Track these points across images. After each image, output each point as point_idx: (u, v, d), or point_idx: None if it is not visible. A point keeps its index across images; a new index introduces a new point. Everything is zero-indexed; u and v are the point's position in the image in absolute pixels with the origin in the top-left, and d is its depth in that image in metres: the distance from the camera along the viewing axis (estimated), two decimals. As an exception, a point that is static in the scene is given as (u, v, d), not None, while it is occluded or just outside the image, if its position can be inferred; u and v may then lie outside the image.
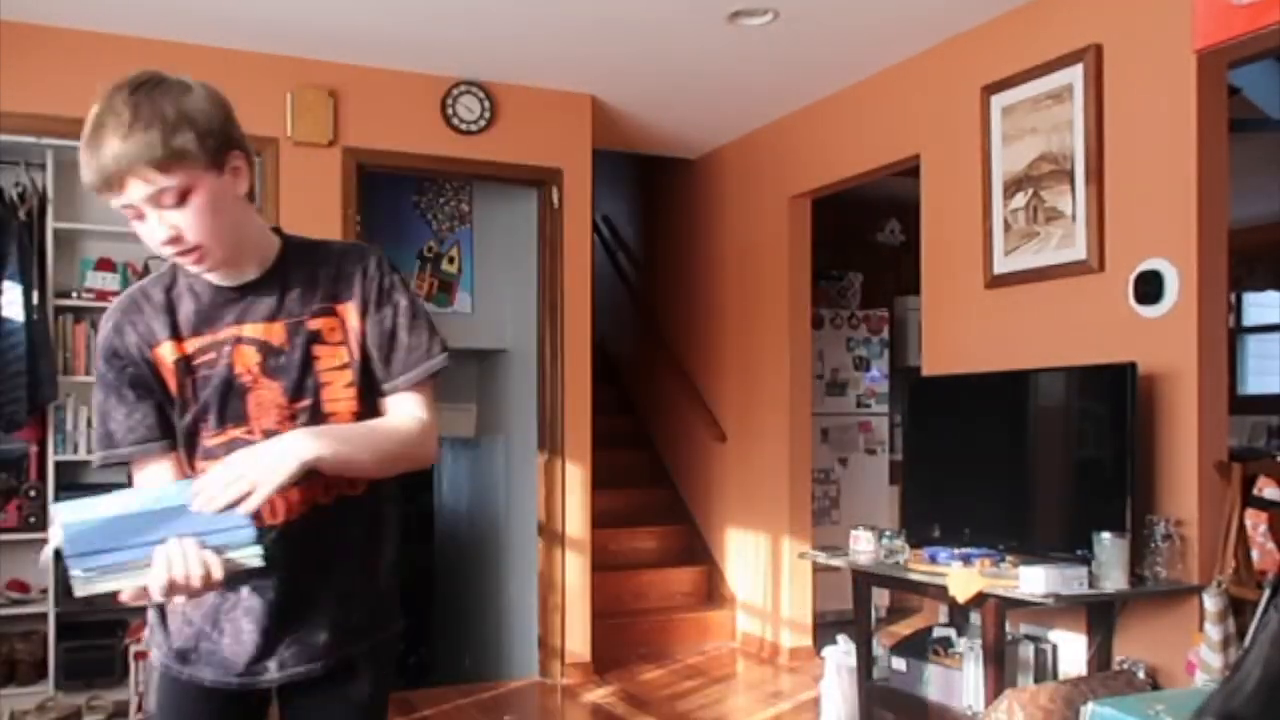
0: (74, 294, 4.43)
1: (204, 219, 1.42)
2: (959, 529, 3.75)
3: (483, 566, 5.93)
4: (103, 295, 4.47)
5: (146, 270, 4.66)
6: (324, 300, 1.57)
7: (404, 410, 1.60)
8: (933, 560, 3.58)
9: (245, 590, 1.55)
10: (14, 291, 4.13)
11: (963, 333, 4.18)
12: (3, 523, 4.28)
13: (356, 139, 4.62)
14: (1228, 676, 0.83)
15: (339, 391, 1.56)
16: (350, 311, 1.58)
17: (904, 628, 4.94)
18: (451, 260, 5.70)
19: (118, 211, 1.44)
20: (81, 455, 4.40)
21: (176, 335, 1.55)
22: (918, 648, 3.77)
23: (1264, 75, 4.47)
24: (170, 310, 1.56)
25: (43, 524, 4.26)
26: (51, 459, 4.30)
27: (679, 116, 5.38)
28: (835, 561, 3.97)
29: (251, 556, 1.38)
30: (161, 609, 1.61)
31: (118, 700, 4.23)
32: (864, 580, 3.88)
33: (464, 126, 4.80)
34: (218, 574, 1.36)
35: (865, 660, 3.89)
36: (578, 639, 5.03)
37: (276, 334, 1.55)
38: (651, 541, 6.16)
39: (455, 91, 4.78)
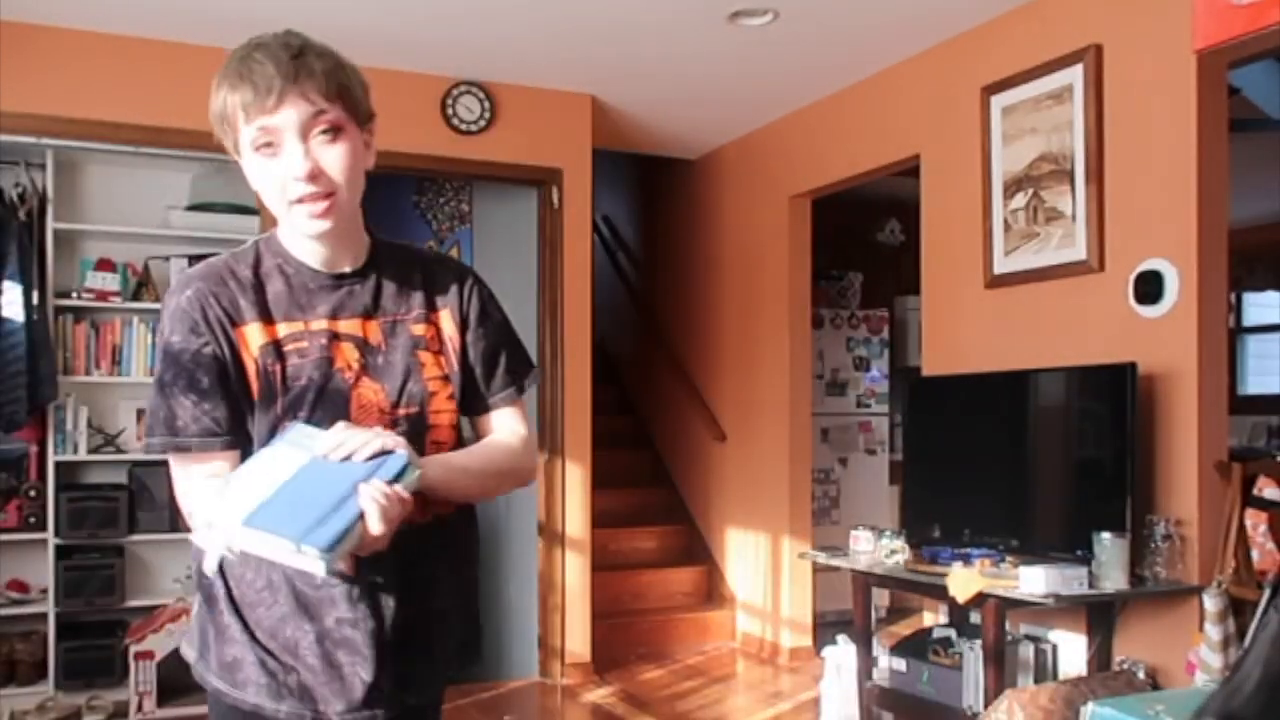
0: (74, 294, 4.43)
1: (347, 165, 1.36)
2: (959, 529, 3.75)
3: (482, 566, 5.92)
4: (103, 295, 4.47)
5: (147, 270, 4.67)
6: (422, 305, 1.50)
7: (507, 426, 1.56)
8: (933, 560, 3.58)
9: (331, 620, 1.41)
10: (14, 291, 4.13)
11: (963, 333, 4.18)
12: (3, 523, 4.28)
13: (356, 139, 4.61)
14: (1228, 676, 0.83)
15: (443, 403, 1.48)
16: (446, 321, 1.51)
17: (904, 628, 4.94)
18: (451, 260, 5.69)
19: (248, 141, 1.36)
20: (82, 455, 4.41)
21: (266, 317, 1.41)
22: (918, 648, 3.77)
23: (1264, 75, 4.47)
24: (258, 289, 1.42)
25: (43, 524, 4.26)
26: (51, 459, 4.30)
27: (679, 116, 5.38)
28: (835, 561, 3.97)
29: (415, 481, 1.31)
30: (218, 626, 1.44)
31: (118, 700, 4.23)
32: (864, 580, 3.88)
33: (464, 126, 4.80)
34: (409, 505, 1.30)
35: (865, 660, 3.89)
36: (578, 639, 5.03)
37: (373, 333, 1.45)
38: (651, 541, 6.16)
39: (455, 91, 4.78)
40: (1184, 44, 3.32)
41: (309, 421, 1.38)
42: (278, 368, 1.39)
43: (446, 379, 1.49)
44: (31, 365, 4.13)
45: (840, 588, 5.01)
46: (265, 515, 1.23)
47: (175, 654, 4.22)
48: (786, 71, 4.68)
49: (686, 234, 6.34)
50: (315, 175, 1.34)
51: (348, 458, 1.29)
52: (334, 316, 1.43)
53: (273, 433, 1.38)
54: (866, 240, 6.95)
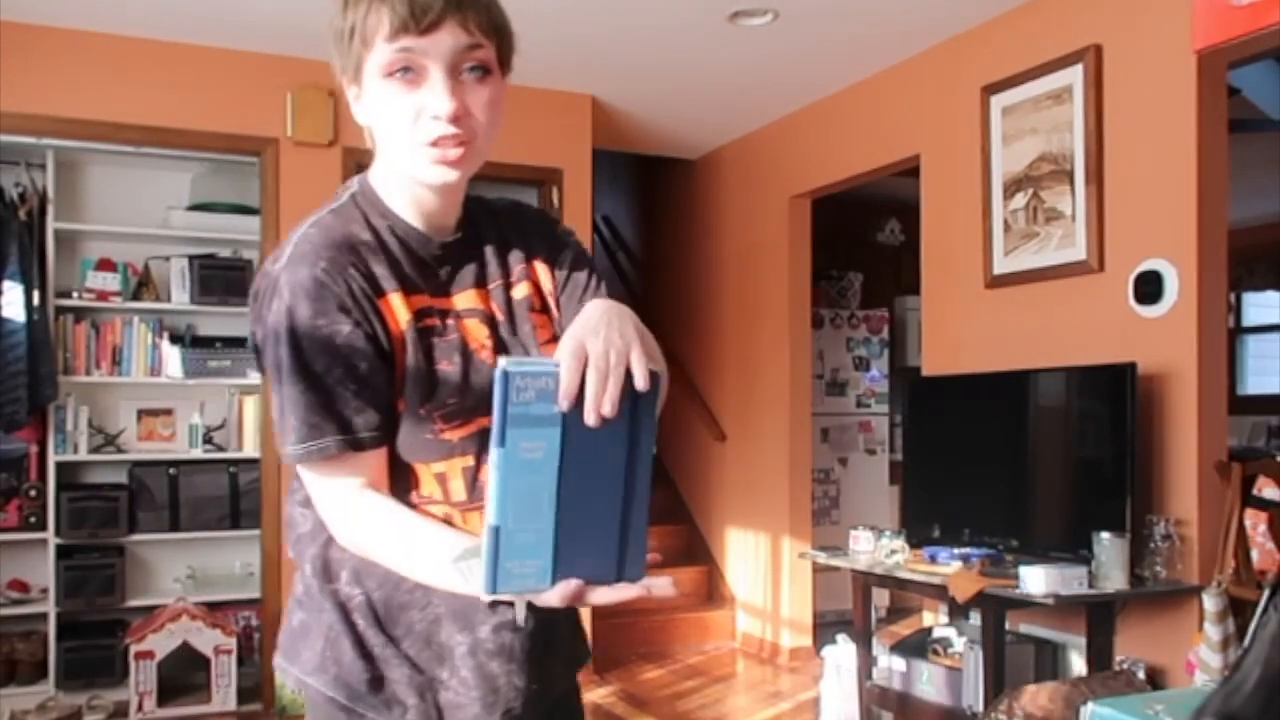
0: (74, 294, 4.44)
1: (492, 109, 1.17)
2: (959, 529, 3.75)
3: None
4: (103, 295, 4.48)
5: (147, 270, 4.67)
6: (519, 261, 1.31)
7: None
8: (933, 560, 3.58)
9: (486, 629, 1.25)
10: (14, 291, 4.13)
11: (963, 333, 4.18)
12: (3, 523, 4.28)
13: (356, 139, 4.56)
14: (1227, 676, 0.83)
15: None
16: (542, 273, 1.31)
17: (904, 628, 4.94)
18: (452, 260, 5.70)
19: (381, 62, 1.14)
20: (82, 455, 4.41)
21: (406, 286, 1.20)
22: (918, 648, 3.77)
23: (1264, 75, 4.47)
24: (385, 250, 1.21)
25: (43, 524, 4.26)
26: (51, 459, 4.31)
27: (679, 116, 5.38)
28: (835, 561, 3.97)
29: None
30: (355, 640, 1.24)
31: (118, 700, 4.23)
32: (864, 580, 3.88)
33: (464, 126, 4.79)
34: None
35: (865, 660, 3.89)
36: (578, 639, 5.03)
37: (488, 303, 1.27)
38: (651, 541, 6.14)
39: (455, 91, 4.77)
40: (1184, 44, 3.32)
41: (454, 411, 1.18)
42: (423, 346, 1.19)
43: (554, 341, 1.27)
44: (32, 365, 4.13)
45: (840, 588, 5.01)
46: (565, 574, 1.02)
47: (175, 654, 4.23)
48: (786, 71, 4.68)
49: (686, 234, 6.34)
50: (460, 116, 1.14)
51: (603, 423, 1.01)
52: (447, 291, 1.24)
53: (418, 432, 1.19)
54: (866, 240, 6.95)
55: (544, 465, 0.99)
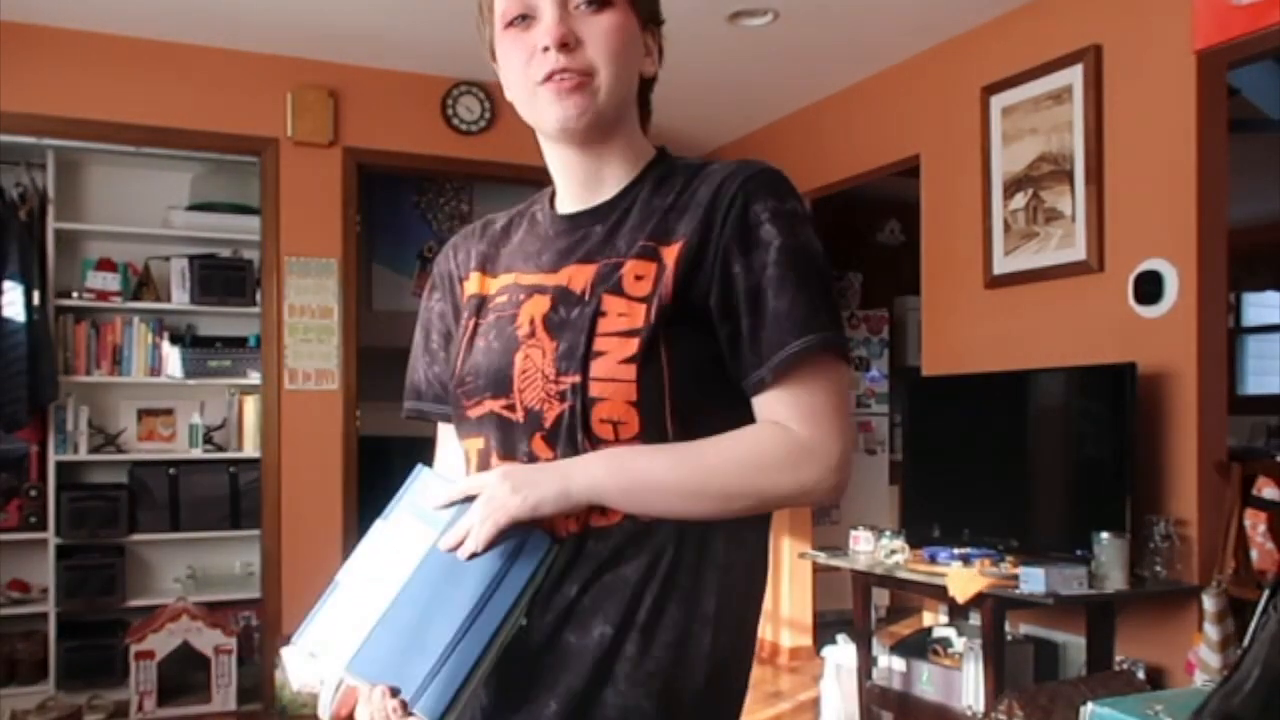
0: (74, 294, 4.44)
1: (611, 42, 1.09)
2: (959, 529, 3.75)
3: (483, 566, 5.91)
4: (103, 295, 4.48)
5: (147, 270, 4.68)
6: (651, 236, 1.10)
7: (764, 416, 1.07)
8: (933, 560, 3.58)
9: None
10: (15, 291, 4.13)
11: (963, 333, 4.18)
12: (3, 523, 4.28)
13: (356, 139, 4.62)
14: (1227, 676, 0.83)
15: (613, 368, 1.03)
16: (674, 255, 1.08)
17: (904, 628, 4.94)
18: (452, 260, 5.70)
19: (501, 14, 1.13)
20: (82, 455, 4.41)
21: (483, 268, 1.20)
22: (918, 648, 3.77)
23: (1264, 76, 4.46)
24: (497, 239, 1.22)
25: (43, 524, 4.26)
26: (52, 459, 4.31)
27: (679, 116, 5.38)
28: (835, 561, 3.97)
29: (551, 561, 1.06)
30: None
31: (118, 700, 4.23)
32: (864, 580, 3.88)
33: (464, 126, 4.80)
34: None
35: (865, 660, 3.89)
36: (578, 639, 5.03)
37: (583, 279, 1.10)
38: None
39: (455, 91, 4.78)
40: (1184, 44, 3.32)
41: (471, 389, 1.13)
42: (471, 324, 1.17)
43: (631, 335, 1.04)
44: (32, 365, 4.13)
45: (840, 588, 5.01)
46: (368, 658, 1.01)
47: (175, 654, 4.23)
48: (786, 71, 4.68)
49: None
50: (567, 43, 1.07)
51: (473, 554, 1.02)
52: (554, 267, 1.14)
53: (454, 398, 1.16)
54: (866, 240, 6.95)
55: (404, 556, 1.05)
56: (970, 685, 3.46)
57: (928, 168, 4.39)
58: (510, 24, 1.11)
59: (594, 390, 1.04)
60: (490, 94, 4.83)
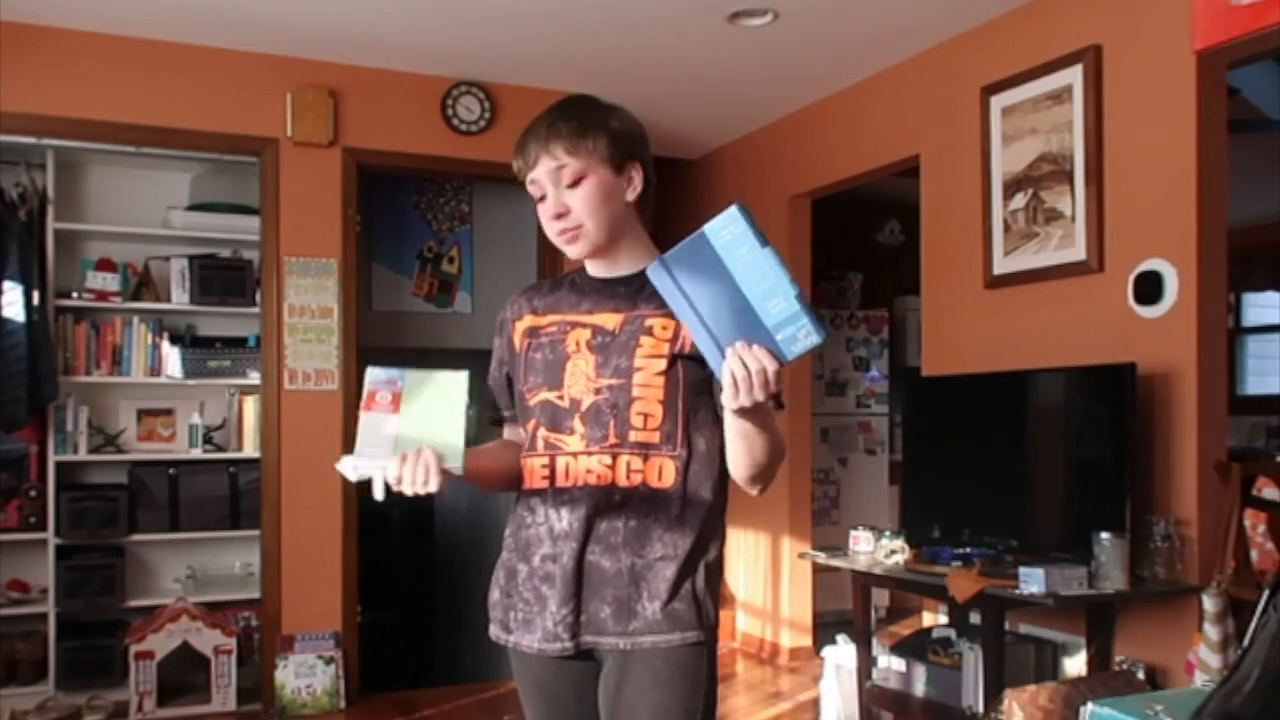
0: (74, 294, 4.44)
1: (590, 203, 1.64)
2: (959, 529, 3.75)
3: (483, 566, 5.92)
4: (103, 295, 4.48)
5: (147, 270, 4.68)
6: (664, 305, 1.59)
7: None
8: (932, 560, 3.58)
9: (537, 559, 1.71)
10: (14, 291, 4.13)
11: (963, 333, 4.18)
12: (3, 523, 4.28)
13: (356, 139, 4.62)
14: (1226, 676, 0.83)
15: (649, 378, 1.62)
16: (660, 321, 1.66)
17: (904, 628, 4.94)
18: (451, 260, 5.70)
19: (529, 189, 1.68)
20: (82, 455, 4.41)
21: (536, 311, 1.76)
22: (918, 648, 3.77)
23: (1264, 75, 4.47)
24: (551, 292, 1.78)
25: (43, 524, 4.26)
26: (51, 459, 4.31)
27: (679, 116, 5.38)
28: (835, 561, 3.97)
29: (458, 466, 1.55)
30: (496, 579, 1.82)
31: (118, 700, 4.23)
32: (864, 580, 3.88)
33: (464, 126, 4.80)
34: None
35: (865, 660, 3.89)
36: (578, 639, 5.02)
37: (613, 321, 1.67)
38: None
39: (455, 91, 4.78)
40: (1184, 44, 3.32)
41: (532, 385, 1.69)
42: (528, 343, 1.72)
43: (659, 358, 1.62)
44: (32, 365, 4.13)
45: (840, 588, 5.01)
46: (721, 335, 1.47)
47: (175, 654, 4.23)
48: (786, 71, 4.68)
49: (686, 234, 6.32)
50: (561, 214, 1.65)
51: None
52: (590, 311, 1.70)
53: (521, 403, 1.74)
54: (866, 240, 6.95)
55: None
56: (970, 685, 3.46)
57: (928, 168, 4.40)
58: (535, 197, 1.69)
59: (635, 391, 1.62)
60: (490, 94, 4.83)
